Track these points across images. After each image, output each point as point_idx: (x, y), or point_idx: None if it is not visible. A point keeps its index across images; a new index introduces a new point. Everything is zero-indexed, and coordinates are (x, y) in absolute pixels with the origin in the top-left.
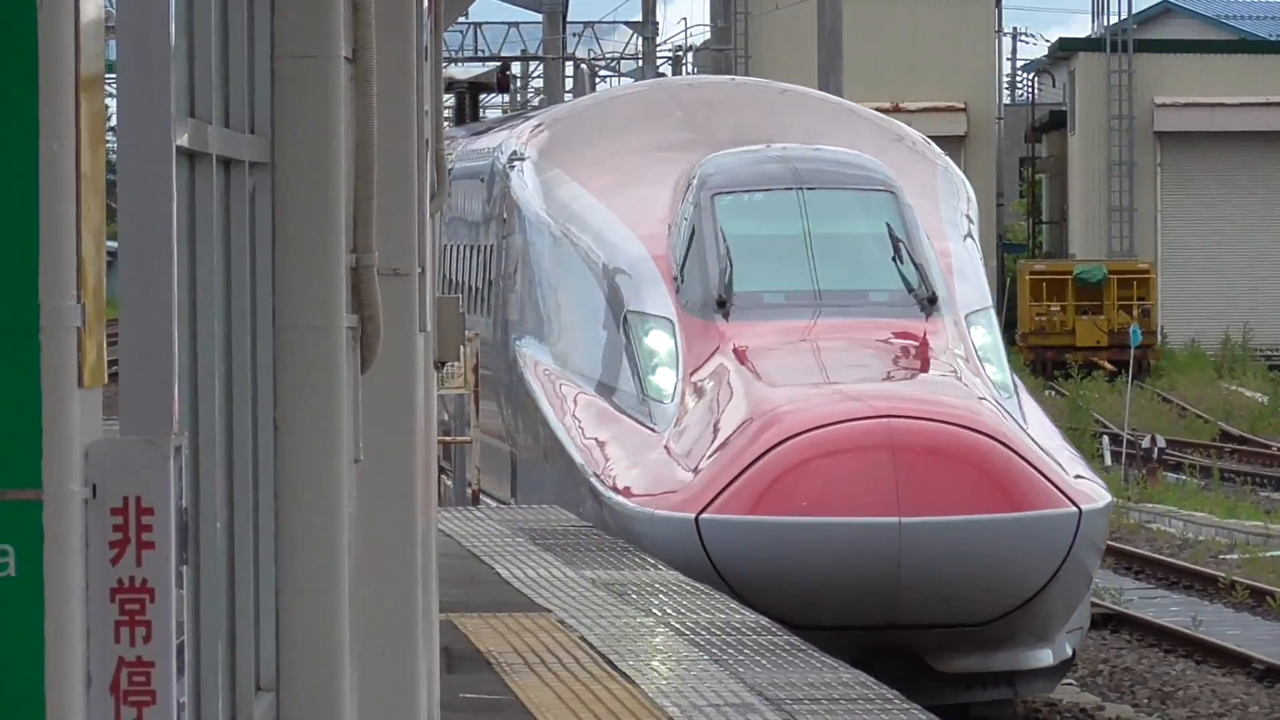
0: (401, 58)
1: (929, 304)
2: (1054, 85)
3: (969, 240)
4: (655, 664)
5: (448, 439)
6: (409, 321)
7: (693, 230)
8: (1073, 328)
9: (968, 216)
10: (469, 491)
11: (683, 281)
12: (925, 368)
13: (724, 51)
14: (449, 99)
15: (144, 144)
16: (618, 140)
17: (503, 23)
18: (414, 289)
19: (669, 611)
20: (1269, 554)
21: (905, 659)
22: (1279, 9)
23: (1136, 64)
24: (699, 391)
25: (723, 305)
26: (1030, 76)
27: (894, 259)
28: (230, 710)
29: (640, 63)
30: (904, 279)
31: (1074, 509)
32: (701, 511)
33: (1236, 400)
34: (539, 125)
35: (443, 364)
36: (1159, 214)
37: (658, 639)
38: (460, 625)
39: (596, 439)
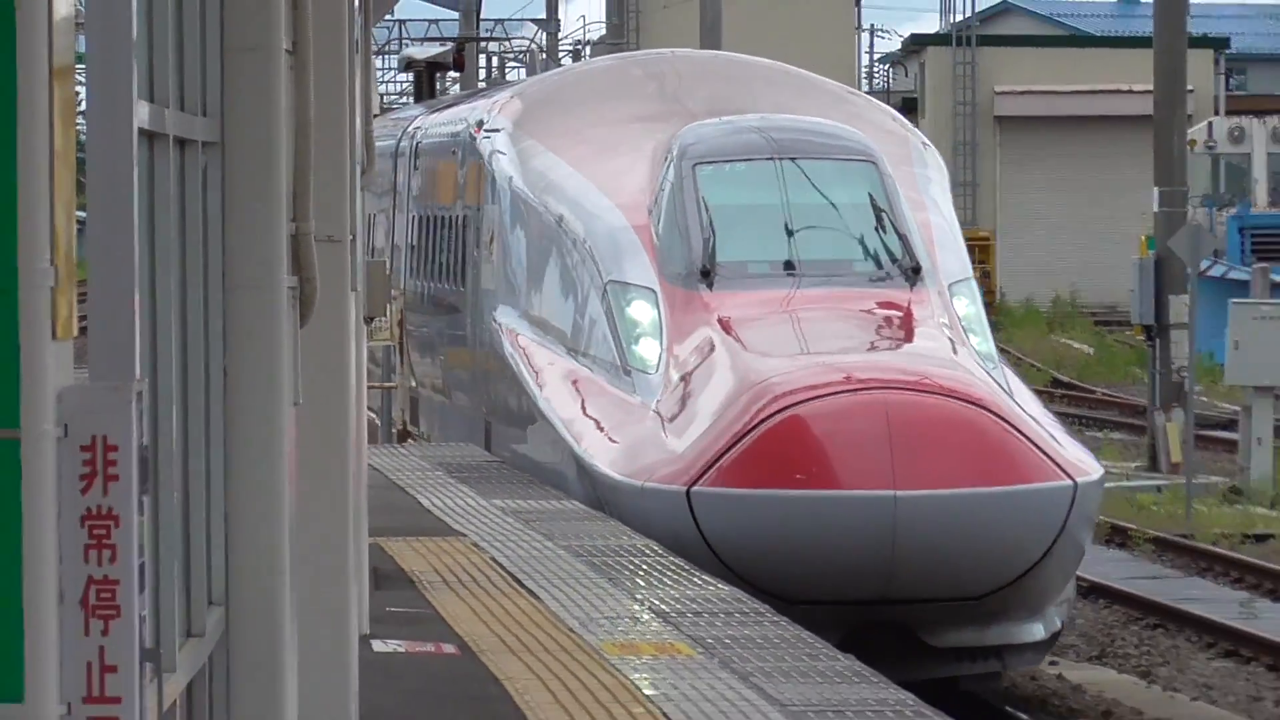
0: (335, 50)
1: (913, 274)
2: (906, 75)
3: (946, 211)
4: (557, 582)
5: (376, 385)
6: (341, 282)
7: (673, 200)
8: None
9: (942, 188)
10: (394, 431)
11: (664, 251)
12: (914, 338)
13: (618, 45)
14: (407, 78)
15: (109, 126)
16: (592, 111)
17: (424, 19)
18: (346, 253)
19: (570, 536)
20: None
21: (895, 633)
22: (1105, 8)
23: (979, 57)
24: (685, 362)
25: (706, 275)
26: (886, 68)
27: (877, 229)
28: (186, 622)
29: (545, 56)
30: (887, 249)
31: (1069, 482)
32: (693, 484)
33: (1066, 352)
34: (511, 97)
35: (371, 319)
36: (998, 188)
37: (560, 561)
38: (386, 548)
39: (579, 410)
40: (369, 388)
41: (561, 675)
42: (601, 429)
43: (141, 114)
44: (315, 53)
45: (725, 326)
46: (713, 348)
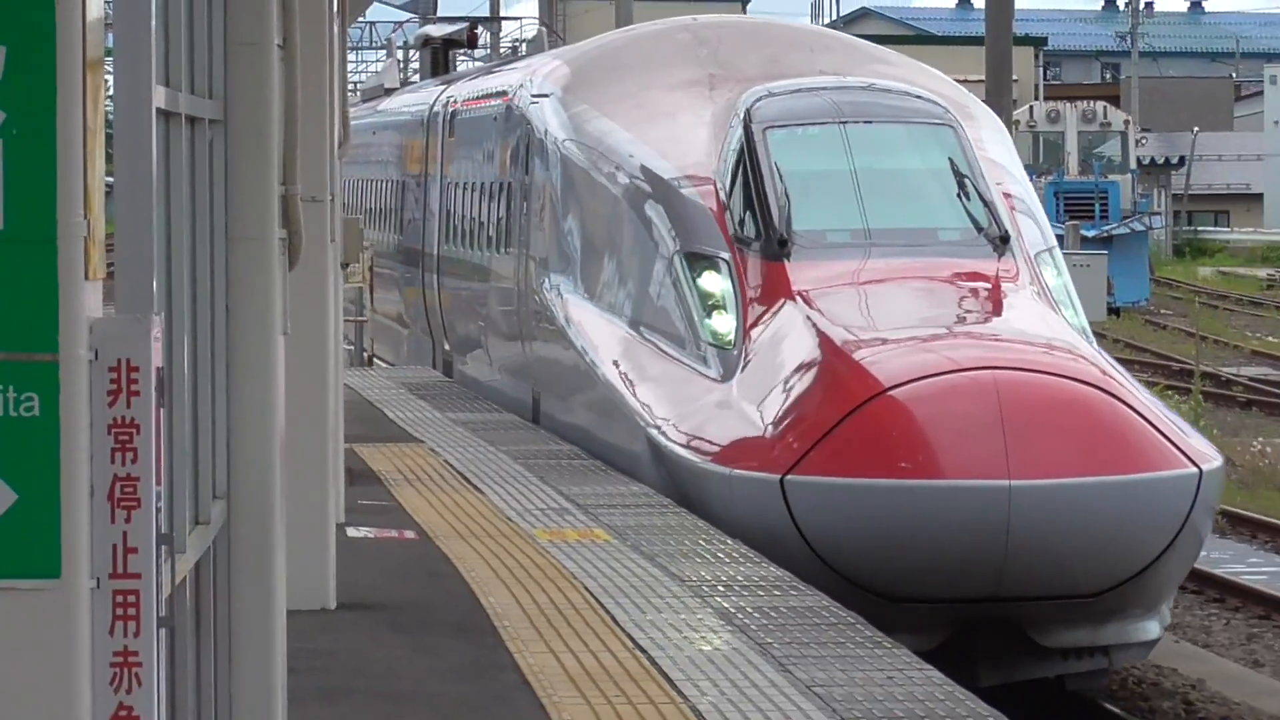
0: (317, 46)
1: (1001, 243)
2: None
3: (1020, 177)
4: (498, 481)
5: (350, 319)
6: (322, 235)
7: (744, 166)
8: None
9: (1010, 154)
10: (365, 356)
11: (736, 220)
12: (1012, 312)
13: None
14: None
15: (132, 106)
16: (643, 76)
17: (390, 21)
18: (326, 212)
19: (509, 443)
20: None
21: (1001, 631)
22: (946, 13)
23: None
24: (766, 338)
25: (784, 245)
26: None
27: (959, 195)
28: (195, 511)
29: (489, 50)
30: (971, 217)
31: (1194, 469)
32: (787, 472)
33: None
34: (557, 62)
35: (346, 265)
36: None
37: (501, 463)
38: (358, 452)
39: (649, 386)
40: (344, 321)
41: (501, 555)
42: (677, 408)
43: (159, 96)
44: (301, 48)
45: (808, 300)
46: (797, 323)
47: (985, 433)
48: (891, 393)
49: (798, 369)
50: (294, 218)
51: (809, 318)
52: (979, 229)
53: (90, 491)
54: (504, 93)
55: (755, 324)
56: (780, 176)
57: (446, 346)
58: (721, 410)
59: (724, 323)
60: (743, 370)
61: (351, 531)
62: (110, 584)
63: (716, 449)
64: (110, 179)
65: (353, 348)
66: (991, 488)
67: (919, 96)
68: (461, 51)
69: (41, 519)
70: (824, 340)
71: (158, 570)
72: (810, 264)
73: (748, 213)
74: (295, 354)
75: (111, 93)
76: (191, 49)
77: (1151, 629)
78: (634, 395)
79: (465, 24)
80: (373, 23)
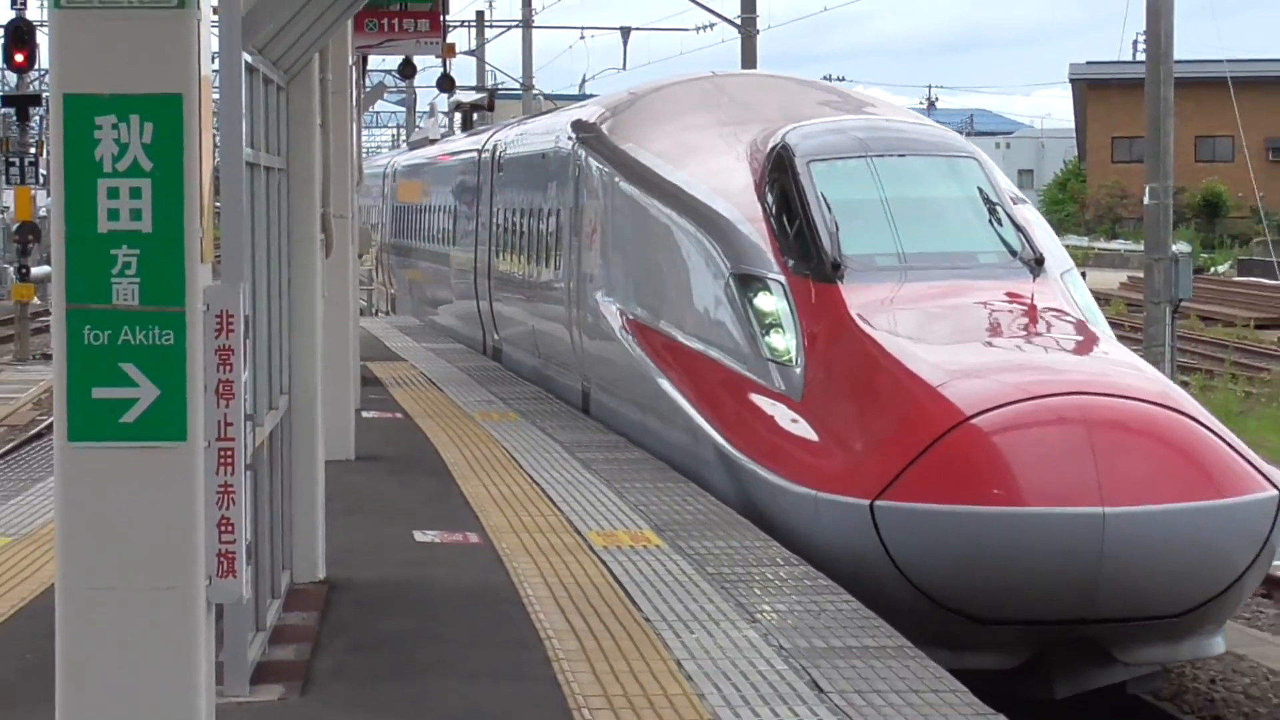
0: (342, 122)
1: (1036, 265)
2: None
3: (1026, 205)
4: (453, 383)
5: (365, 285)
6: (345, 237)
7: (790, 195)
8: None
9: (1010, 185)
10: (374, 311)
11: (785, 244)
12: (1070, 334)
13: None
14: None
15: (231, 160)
16: (676, 119)
17: (394, 107)
18: (347, 224)
19: (459, 360)
20: None
21: (1082, 648)
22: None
23: None
24: (828, 356)
25: (837, 268)
26: None
27: (992, 222)
28: (269, 401)
29: (543, 99)
30: (1005, 241)
31: (1275, 492)
32: (877, 497)
33: None
34: (598, 109)
35: (362, 255)
36: None
37: (454, 372)
38: (369, 366)
39: (713, 392)
40: (360, 286)
41: (453, 425)
42: (747, 421)
43: (247, 153)
44: (332, 125)
45: (867, 319)
46: (863, 343)
47: (1077, 459)
48: (981, 417)
49: (873, 390)
50: (328, 227)
51: (874, 338)
52: (1012, 252)
53: (204, 388)
54: (550, 134)
55: (814, 342)
56: (827, 204)
57: (496, 337)
58: (797, 428)
59: (783, 340)
60: (809, 387)
61: (365, 414)
62: (216, 444)
63: (798, 469)
64: (218, 203)
65: (365, 304)
66: (1086, 515)
67: (941, 133)
68: (479, 113)
69: (175, 406)
70: (898, 362)
71: (246, 436)
72: (862, 286)
73: (797, 238)
74: (330, 308)
75: (218, 150)
76: (266, 125)
77: (1220, 644)
78: (695, 399)
79: (485, 94)
80: (378, 113)
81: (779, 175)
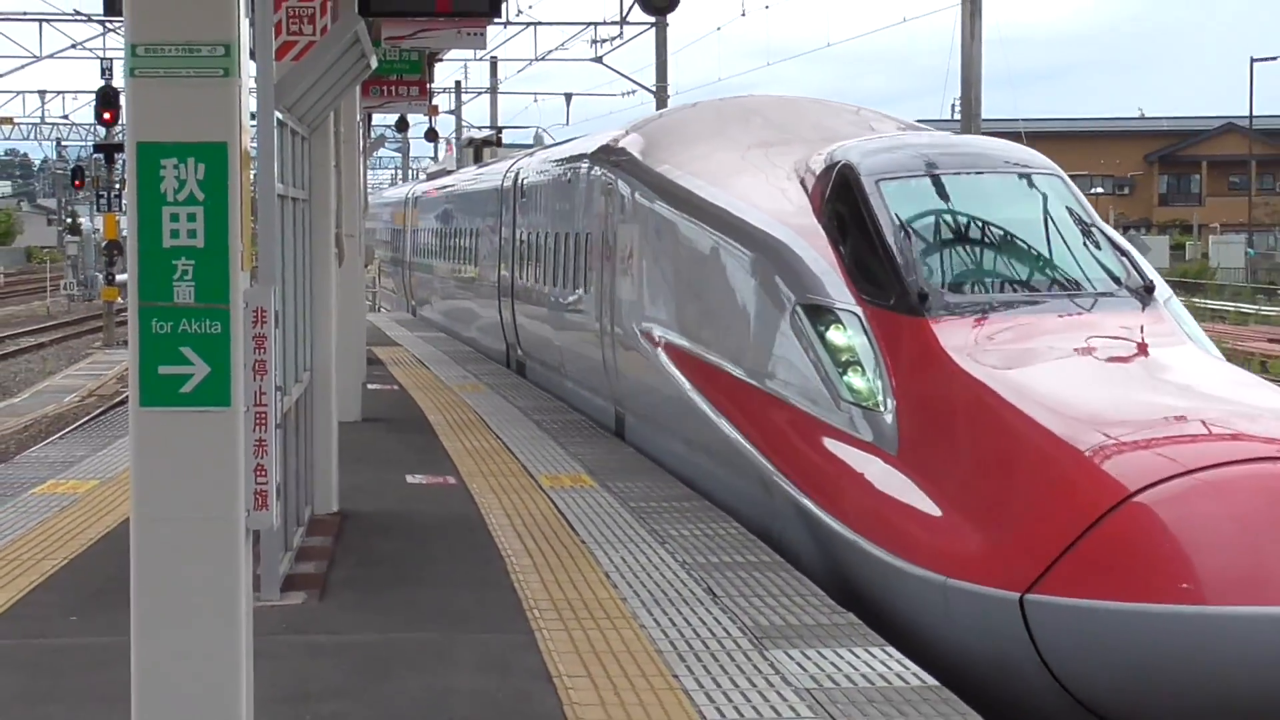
0: (351, 163)
1: (1146, 294)
2: None
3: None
4: (438, 363)
5: (370, 287)
6: (355, 252)
7: (859, 217)
8: None
9: None
10: (378, 307)
11: (858, 271)
12: (1218, 380)
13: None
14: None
15: (265, 192)
16: (711, 141)
17: (390, 151)
18: (358, 241)
19: (441, 346)
20: None
21: None
22: None
23: None
24: (928, 402)
25: (924, 299)
26: None
27: (1086, 244)
28: (295, 376)
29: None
30: (1105, 266)
31: None
32: (1028, 590)
33: None
34: (628, 133)
35: (367, 264)
36: None
37: (439, 354)
38: (373, 350)
39: (789, 444)
40: (366, 288)
41: (437, 395)
42: (835, 478)
43: (279, 187)
44: (345, 165)
45: (971, 359)
46: (973, 387)
47: (1274, 544)
48: (1152, 492)
49: (1000, 450)
50: (341, 244)
51: (985, 382)
52: (1115, 279)
53: (244, 366)
54: (575, 159)
55: (906, 384)
56: (904, 227)
57: (519, 352)
58: (904, 491)
59: (862, 380)
60: (907, 439)
61: (369, 386)
62: (254, 409)
63: (917, 546)
64: (255, 224)
65: (370, 302)
66: None
67: (1016, 149)
68: (490, 148)
69: (221, 380)
70: (1024, 415)
71: (275, 403)
72: (955, 319)
73: (871, 264)
74: (344, 306)
75: (255, 184)
76: (293, 166)
77: None
78: (761, 443)
79: (495, 131)
80: (379, 158)
81: (843, 196)
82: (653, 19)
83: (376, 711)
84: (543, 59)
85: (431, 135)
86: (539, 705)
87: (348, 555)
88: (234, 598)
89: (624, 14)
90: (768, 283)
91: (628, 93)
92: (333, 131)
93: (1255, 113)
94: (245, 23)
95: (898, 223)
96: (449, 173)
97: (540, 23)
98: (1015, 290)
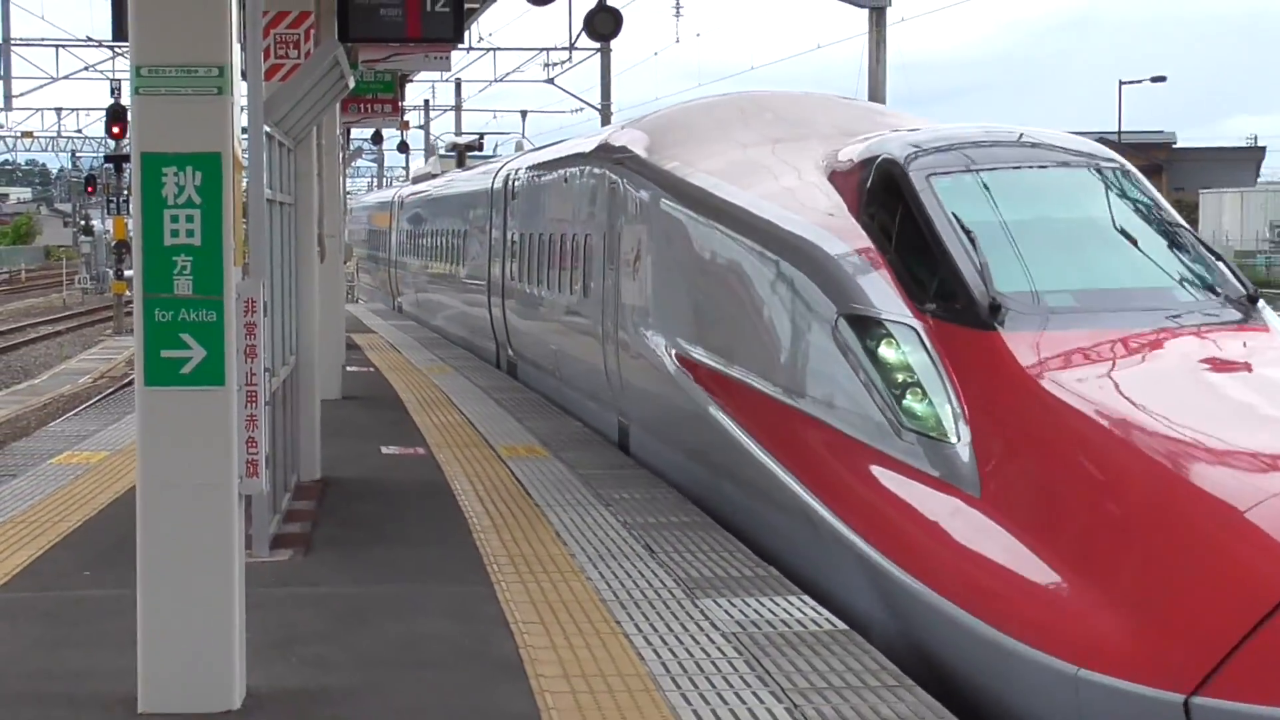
0: (332, 172)
1: (1248, 303)
2: None
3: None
4: (409, 349)
5: (350, 283)
6: (336, 250)
7: (910, 218)
8: None
9: None
10: (354, 299)
11: (911, 279)
12: None
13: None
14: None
15: (256, 196)
16: (721, 137)
17: (369, 160)
18: (340, 241)
19: (415, 333)
20: None
21: None
22: None
23: None
24: (1014, 433)
25: (996, 310)
26: None
27: (1172, 248)
28: (282, 358)
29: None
30: (1194, 273)
31: None
32: (1195, 691)
33: None
34: (634, 131)
35: (346, 260)
36: None
37: (411, 341)
38: (351, 336)
39: (839, 478)
40: (345, 282)
41: (408, 376)
42: (904, 525)
43: (268, 193)
44: (325, 173)
45: (1062, 384)
46: (1079, 422)
47: None
48: None
49: (1137, 505)
50: (323, 243)
51: (1097, 419)
52: (1210, 288)
53: (236, 350)
54: (573, 158)
55: (981, 411)
56: (965, 229)
57: (510, 353)
58: (1004, 551)
59: (925, 405)
60: (991, 479)
61: (348, 368)
62: (246, 388)
63: (1036, 624)
64: (246, 225)
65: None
66: None
67: (1079, 141)
68: (472, 152)
69: (216, 362)
70: (1153, 460)
71: (265, 382)
72: (1032, 334)
73: (927, 270)
74: (325, 298)
75: (246, 189)
76: (280, 174)
77: None
78: (803, 473)
79: (477, 136)
80: (356, 167)
81: (887, 194)
82: (598, 45)
83: (354, 654)
84: (501, 80)
85: (403, 147)
86: (498, 649)
87: (329, 517)
88: (228, 555)
89: (572, 41)
90: (800, 291)
91: (576, 110)
92: (315, 144)
93: (1124, 128)
94: (237, 47)
95: (956, 223)
96: (434, 177)
97: (499, 48)
98: (1100, 300)
